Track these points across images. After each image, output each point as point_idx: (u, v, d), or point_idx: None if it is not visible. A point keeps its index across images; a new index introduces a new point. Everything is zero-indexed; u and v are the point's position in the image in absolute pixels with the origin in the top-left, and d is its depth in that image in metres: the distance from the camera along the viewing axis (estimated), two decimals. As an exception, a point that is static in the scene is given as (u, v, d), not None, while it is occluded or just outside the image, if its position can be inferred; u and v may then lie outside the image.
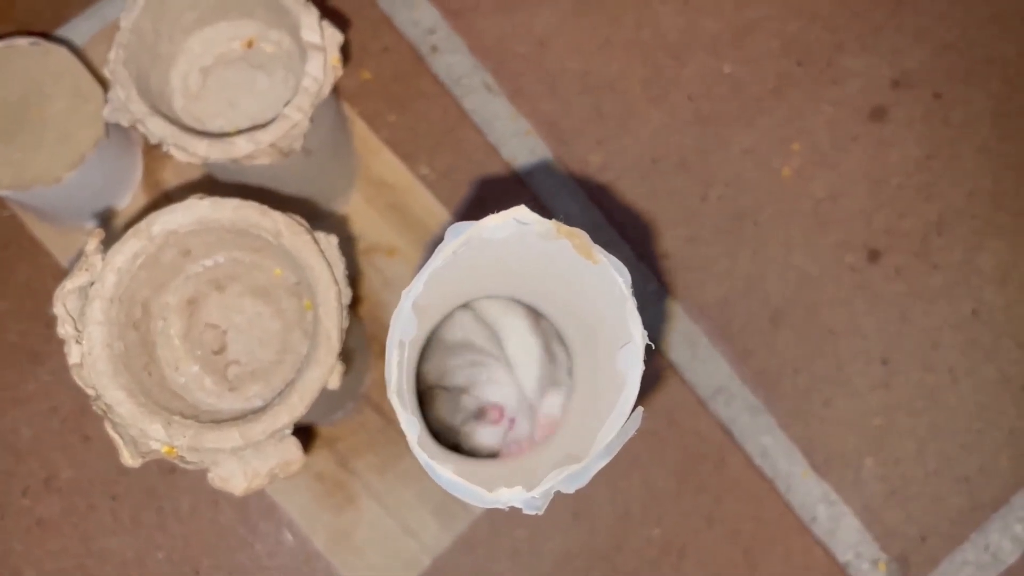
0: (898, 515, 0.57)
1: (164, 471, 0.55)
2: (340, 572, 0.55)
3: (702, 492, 0.57)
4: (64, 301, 0.38)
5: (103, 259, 0.38)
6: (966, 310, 0.59)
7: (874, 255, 0.60)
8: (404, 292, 0.33)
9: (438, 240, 0.59)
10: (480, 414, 0.39)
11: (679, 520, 0.57)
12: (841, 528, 0.57)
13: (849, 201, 0.60)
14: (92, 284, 0.38)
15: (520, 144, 0.60)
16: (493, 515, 0.56)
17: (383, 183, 0.59)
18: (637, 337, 0.33)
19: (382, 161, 0.59)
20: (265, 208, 0.39)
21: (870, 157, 0.61)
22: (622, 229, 0.60)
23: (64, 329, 0.38)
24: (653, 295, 0.59)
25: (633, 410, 0.33)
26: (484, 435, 0.39)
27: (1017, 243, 0.60)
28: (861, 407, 0.58)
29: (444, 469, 0.32)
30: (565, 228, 0.33)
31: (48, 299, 0.57)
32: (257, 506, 0.55)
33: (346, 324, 0.39)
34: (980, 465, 0.58)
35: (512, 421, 0.40)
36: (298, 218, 0.40)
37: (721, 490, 0.57)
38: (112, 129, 0.52)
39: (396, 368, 0.32)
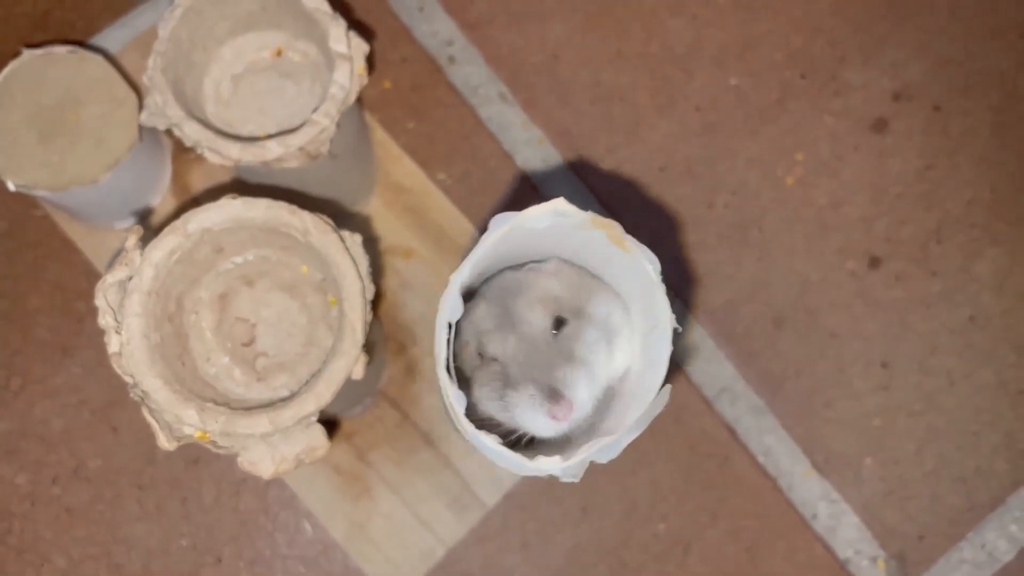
0: (897, 514, 0.58)
1: (189, 462, 0.57)
2: (357, 562, 0.56)
3: (707, 489, 0.58)
4: (105, 294, 0.40)
5: (141, 255, 0.41)
6: (964, 316, 0.61)
7: (875, 262, 0.61)
8: (452, 275, 0.35)
9: (457, 242, 0.61)
10: (553, 396, 0.35)
11: (684, 516, 0.58)
12: (841, 526, 0.58)
13: (851, 209, 0.62)
14: (131, 278, 0.40)
15: (533, 151, 0.62)
16: (505, 508, 0.57)
17: (401, 188, 0.61)
18: (665, 321, 0.36)
19: (401, 167, 0.61)
20: (294, 208, 0.41)
21: (871, 167, 0.62)
22: (631, 234, 0.61)
23: (105, 320, 0.40)
24: (660, 298, 0.61)
25: (661, 388, 0.35)
26: (538, 421, 0.36)
27: (1015, 251, 0.61)
28: (861, 408, 0.59)
29: (489, 439, 0.34)
30: (600, 219, 0.36)
31: (78, 296, 0.59)
32: (277, 497, 0.57)
33: (370, 318, 0.41)
34: (977, 466, 0.59)
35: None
36: (325, 217, 0.42)
37: (725, 488, 0.58)
38: (145, 133, 0.55)
39: (444, 346, 0.35)
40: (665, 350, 0.36)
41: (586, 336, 0.38)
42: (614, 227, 0.36)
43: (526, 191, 0.62)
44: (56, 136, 0.53)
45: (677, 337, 0.59)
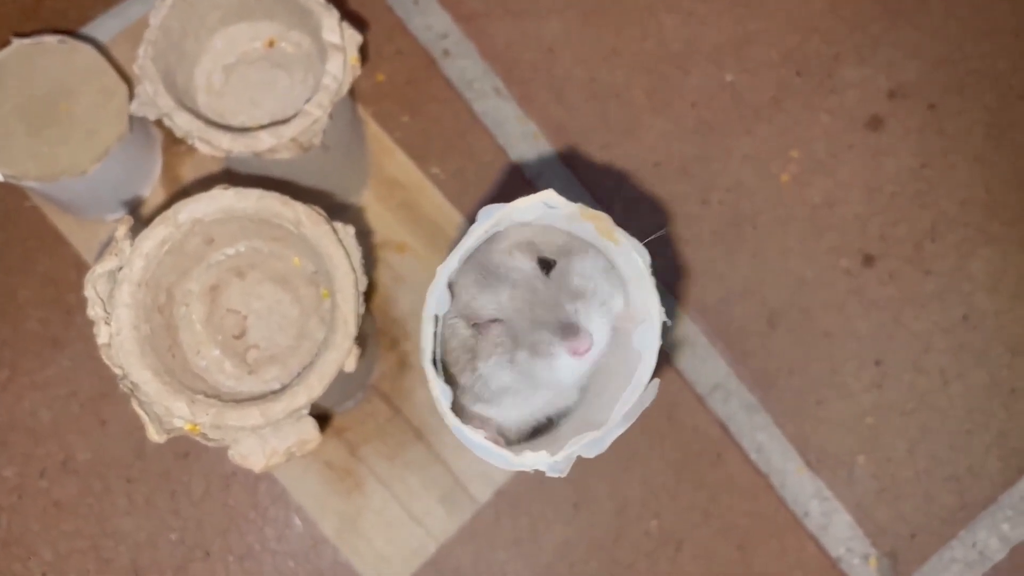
0: (889, 512, 0.58)
1: (178, 456, 0.57)
2: (347, 557, 0.56)
3: (699, 486, 0.58)
4: (94, 284, 0.39)
5: (131, 245, 0.40)
6: (957, 315, 0.61)
7: (869, 260, 0.62)
8: (439, 268, 0.34)
9: (451, 237, 0.61)
10: (568, 331, 0.32)
11: (676, 513, 0.58)
12: (833, 524, 0.58)
13: (845, 207, 0.62)
14: (121, 268, 0.40)
15: (528, 147, 0.62)
16: (497, 504, 0.57)
17: (395, 182, 0.61)
18: (655, 314, 0.35)
19: (394, 161, 0.61)
20: (287, 198, 0.41)
21: (866, 165, 0.63)
22: (625, 230, 0.61)
23: (94, 311, 0.39)
24: (654, 295, 0.60)
25: (649, 382, 0.35)
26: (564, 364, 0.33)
27: (1008, 251, 0.61)
28: (854, 407, 0.59)
29: (475, 433, 0.34)
30: (589, 212, 0.35)
31: (68, 288, 0.59)
32: (267, 491, 0.57)
33: (362, 310, 0.41)
34: (969, 465, 0.59)
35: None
36: (318, 208, 0.41)
37: (717, 485, 0.58)
38: (135, 124, 0.54)
39: (431, 339, 0.34)
40: (654, 343, 0.35)
41: (582, 267, 0.35)
42: (604, 219, 0.35)
43: (520, 186, 0.62)
44: (46, 126, 0.53)
45: (668, 332, 0.59)
